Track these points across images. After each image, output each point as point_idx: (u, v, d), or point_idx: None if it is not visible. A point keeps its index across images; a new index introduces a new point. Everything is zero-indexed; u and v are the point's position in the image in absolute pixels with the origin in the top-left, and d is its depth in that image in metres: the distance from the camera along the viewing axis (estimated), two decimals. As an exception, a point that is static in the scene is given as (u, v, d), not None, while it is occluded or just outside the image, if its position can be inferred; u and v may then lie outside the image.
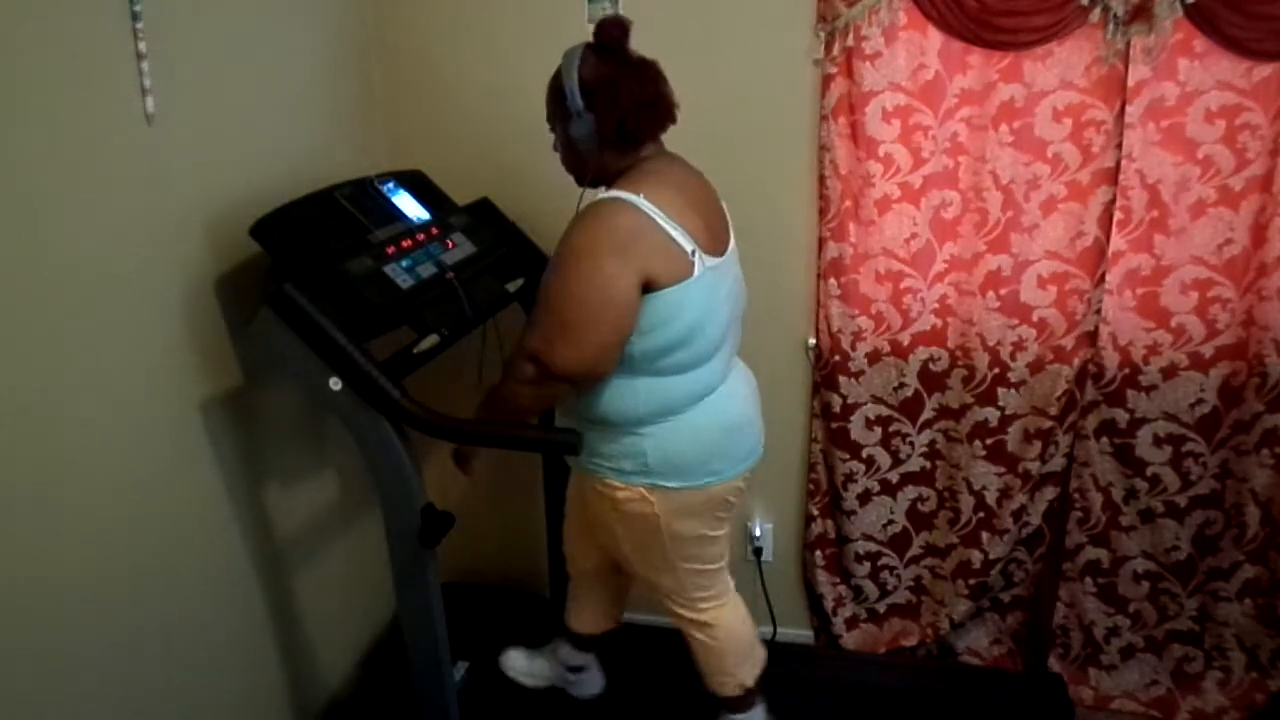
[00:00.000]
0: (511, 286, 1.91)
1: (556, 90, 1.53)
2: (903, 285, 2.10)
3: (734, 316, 1.62)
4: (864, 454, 2.24)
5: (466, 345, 1.87)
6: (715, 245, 1.54)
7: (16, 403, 1.26)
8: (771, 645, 2.27)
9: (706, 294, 1.51)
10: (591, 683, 2.13)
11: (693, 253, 1.47)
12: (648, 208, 1.44)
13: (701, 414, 1.58)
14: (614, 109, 1.48)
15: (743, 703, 1.85)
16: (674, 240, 1.45)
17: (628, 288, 1.43)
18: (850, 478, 2.26)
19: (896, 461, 2.25)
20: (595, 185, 1.58)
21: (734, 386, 1.64)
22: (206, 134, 1.61)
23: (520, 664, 2.16)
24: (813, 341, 2.19)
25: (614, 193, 1.46)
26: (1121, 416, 2.09)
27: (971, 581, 2.27)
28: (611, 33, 1.49)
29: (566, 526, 1.99)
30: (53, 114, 1.29)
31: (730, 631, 1.81)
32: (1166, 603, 2.20)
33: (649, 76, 1.52)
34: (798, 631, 2.43)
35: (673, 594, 1.76)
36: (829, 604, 2.38)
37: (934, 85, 1.95)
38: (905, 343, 2.14)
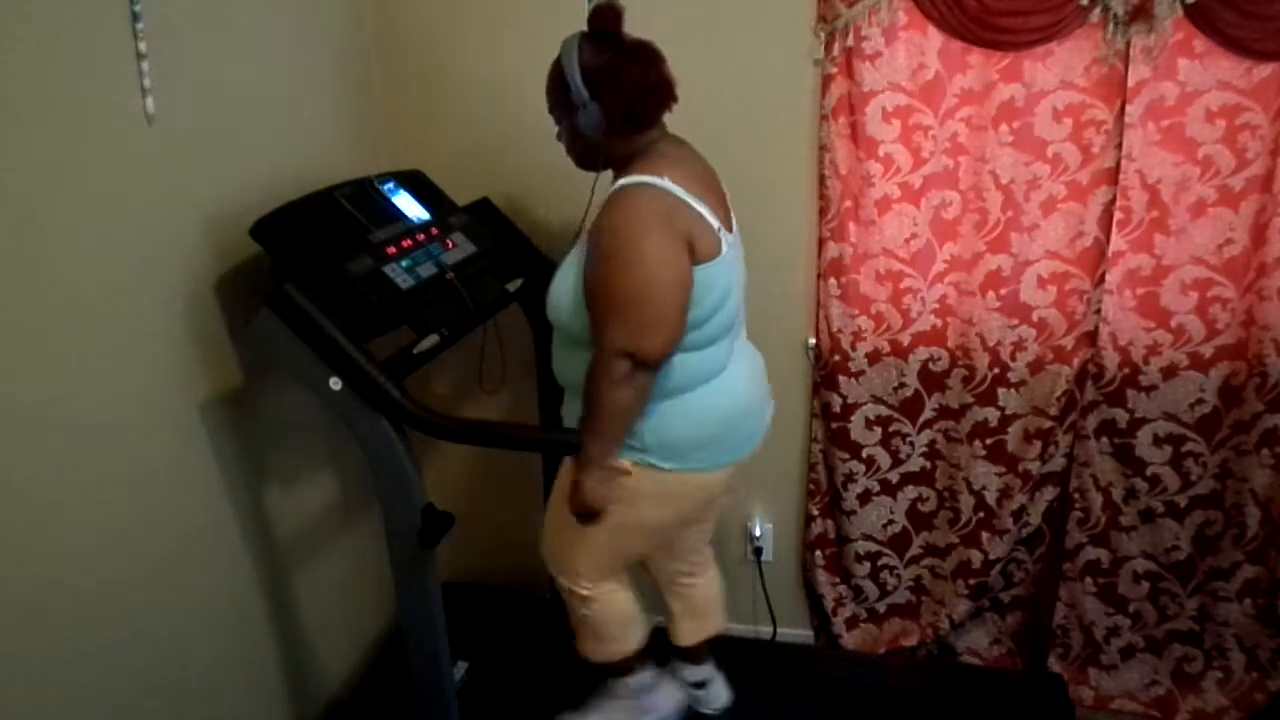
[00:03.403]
0: (511, 286, 1.91)
1: (559, 82, 1.52)
2: (903, 285, 2.10)
3: (741, 296, 1.63)
4: (864, 454, 2.24)
5: (466, 345, 1.87)
6: (726, 223, 1.57)
7: (16, 403, 1.26)
8: (771, 645, 2.28)
9: (729, 270, 1.53)
10: (719, 695, 2.05)
11: (719, 230, 1.49)
12: (674, 189, 1.45)
13: (705, 397, 1.57)
14: (620, 96, 1.48)
15: (624, 667, 1.86)
16: (704, 218, 1.47)
17: (684, 259, 1.44)
18: (850, 478, 2.26)
19: (896, 461, 2.25)
20: (603, 170, 1.58)
21: (738, 370, 1.64)
22: (206, 134, 1.61)
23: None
24: (813, 341, 2.19)
25: (637, 178, 1.46)
26: (1121, 416, 2.09)
27: (971, 581, 2.27)
28: (607, 18, 1.49)
29: None
30: (53, 114, 1.29)
31: (609, 615, 1.80)
32: (1166, 603, 2.20)
33: (649, 59, 1.52)
34: (798, 631, 2.43)
35: (570, 566, 1.75)
36: (829, 604, 2.38)
37: (934, 85, 1.95)
38: (905, 343, 2.14)
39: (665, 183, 1.45)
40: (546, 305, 1.59)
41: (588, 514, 1.59)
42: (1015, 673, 2.33)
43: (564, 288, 1.54)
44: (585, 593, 1.77)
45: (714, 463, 1.63)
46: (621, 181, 1.48)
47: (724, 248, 1.50)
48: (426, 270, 1.67)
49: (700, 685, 2.03)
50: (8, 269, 1.23)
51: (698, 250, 1.46)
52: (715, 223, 1.49)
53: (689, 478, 1.62)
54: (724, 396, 1.60)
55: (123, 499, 1.47)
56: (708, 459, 1.62)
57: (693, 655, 2.01)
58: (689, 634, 1.99)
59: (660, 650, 1.99)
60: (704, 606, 1.98)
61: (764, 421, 1.72)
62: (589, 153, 1.57)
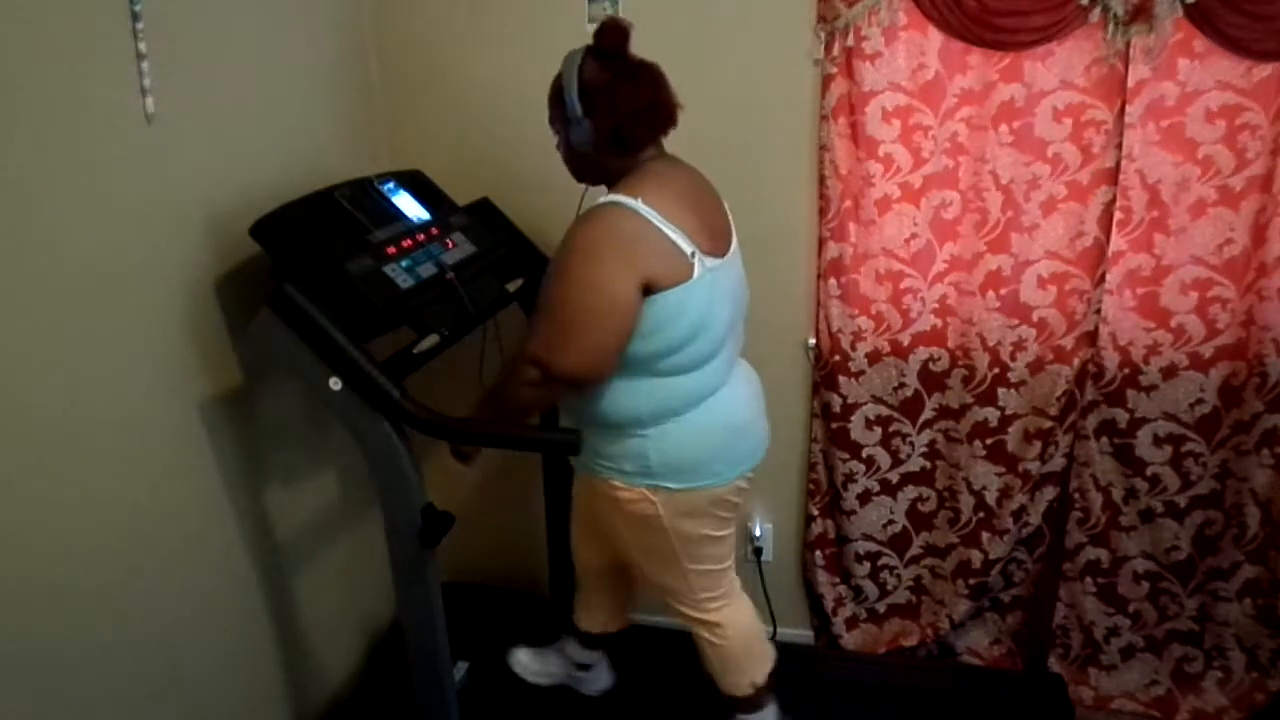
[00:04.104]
0: (511, 286, 1.91)
1: (557, 94, 1.54)
2: (903, 285, 2.10)
3: (736, 316, 1.62)
4: (864, 454, 2.24)
5: (466, 345, 1.87)
6: (716, 246, 1.55)
7: (16, 402, 1.26)
8: (771, 645, 2.27)
9: (707, 295, 1.51)
10: (599, 679, 2.13)
11: (692, 254, 1.47)
12: (646, 211, 1.44)
13: (703, 415, 1.58)
14: (610, 116, 1.49)
15: (754, 702, 1.85)
16: (673, 243, 1.46)
17: (628, 291, 1.43)
18: (850, 478, 2.26)
19: (896, 461, 2.25)
20: (596, 184, 1.59)
21: (736, 388, 1.64)
22: (206, 134, 1.61)
23: (528, 662, 2.16)
24: (813, 341, 2.19)
25: (613, 196, 1.47)
26: (1121, 416, 2.09)
27: (971, 581, 2.27)
28: (612, 37, 1.50)
29: (573, 526, 1.99)
30: (53, 114, 1.29)
31: (739, 630, 1.81)
32: (1166, 603, 2.20)
33: (647, 82, 1.52)
34: (798, 631, 2.43)
35: (680, 595, 1.77)
36: (829, 604, 2.38)
37: (934, 85, 1.95)
38: (905, 343, 2.14)
39: (637, 204, 1.44)
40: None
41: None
42: (1015, 673, 2.33)
43: None
44: (714, 617, 1.78)
45: (720, 479, 1.63)
46: (599, 199, 1.49)
47: (697, 271, 1.48)
48: (426, 270, 1.67)
49: (584, 667, 2.11)
50: (8, 268, 1.23)
51: (660, 278, 1.44)
52: (688, 247, 1.47)
53: (698, 495, 1.62)
54: (723, 412, 1.60)
55: (123, 499, 1.47)
56: (714, 474, 1.62)
57: (591, 640, 2.08)
58: (601, 625, 2.06)
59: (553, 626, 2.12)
60: (621, 599, 2.04)
61: (762, 439, 1.73)
62: (582, 167, 1.60)
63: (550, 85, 1.56)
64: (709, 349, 1.55)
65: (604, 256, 1.43)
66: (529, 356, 1.49)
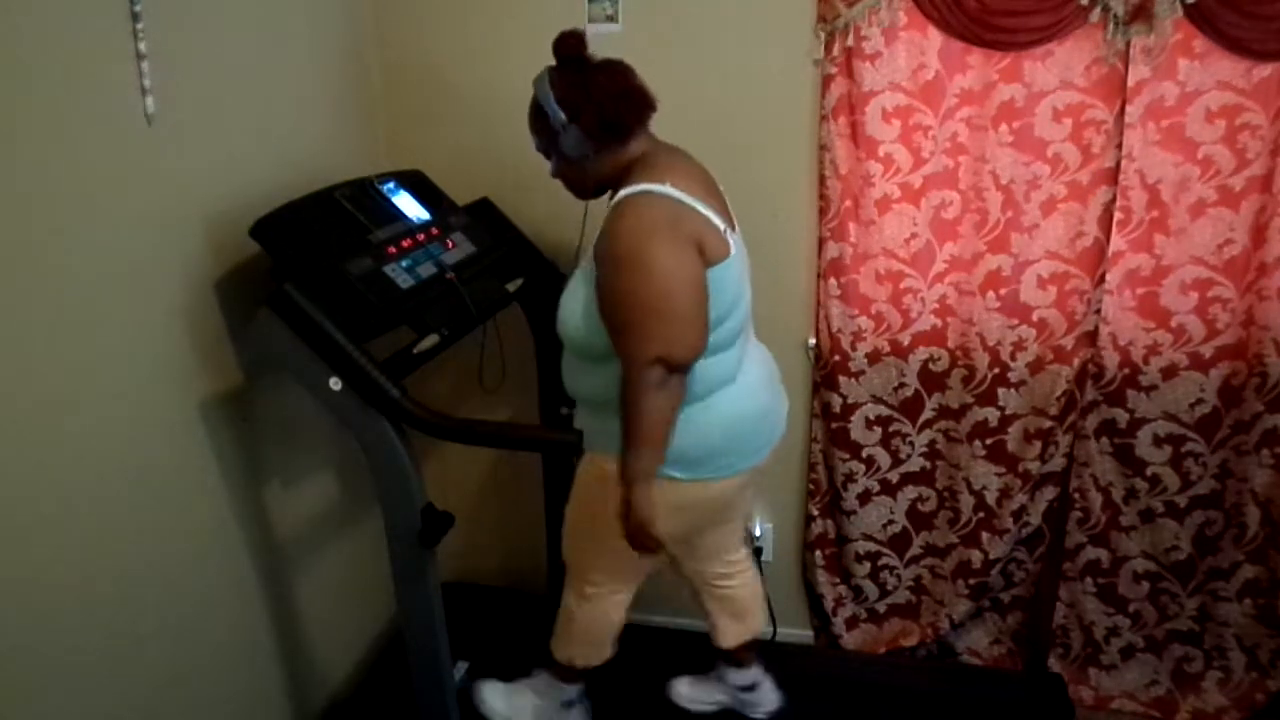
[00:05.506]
0: (511, 286, 1.92)
1: (538, 115, 1.54)
2: (903, 285, 2.10)
3: (750, 297, 1.62)
4: (864, 454, 2.24)
5: (466, 345, 1.87)
6: (730, 224, 1.56)
7: (16, 402, 1.26)
8: (771, 645, 2.28)
9: (740, 270, 1.53)
10: (767, 699, 2.04)
11: (724, 230, 1.49)
12: (676, 194, 1.45)
13: (720, 404, 1.56)
14: (593, 108, 1.49)
15: (567, 674, 1.89)
16: (710, 220, 1.47)
17: (696, 260, 1.44)
18: (850, 478, 2.26)
19: (896, 461, 2.25)
20: (600, 194, 1.59)
21: (753, 373, 1.63)
22: (206, 134, 1.61)
23: (689, 691, 2.09)
24: (813, 341, 2.19)
25: (637, 186, 1.46)
26: (1121, 416, 2.09)
27: (971, 581, 2.27)
28: (570, 42, 1.52)
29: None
30: (53, 114, 1.29)
31: (594, 619, 1.82)
32: (1166, 603, 2.20)
33: (617, 70, 1.53)
34: (798, 631, 2.43)
35: (577, 569, 1.78)
36: (829, 604, 2.38)
37: (934, 85, 1.95)
38: (905, 343, 2.14)
39: (667, 189, 1.44)
40: (557, 324, 1.57)
41: (646, 534, 1.50)
42: (1015, 673, 2.33)
43: (573, 307, 1.53)
44: (589, 590, 1.77)
45: (729, 470, 1.61)
46: (624, 192, 1.47)
47: (732, 247, 1.50)
48: (426, 270, 1.67)
49: (748, 689, 2.03)
50: (8, 269, 1.24)
51: (707, 253, 1.45)
52: (721, 224, 1.49)
53: (703, 486, 1.60)
54: (739, 402, 1.59)
55: (123, 499, 1.47)
56: (723, 466, 1.60)
57: (737, 659, 2.00)
58: (732, 635, 1.96)
59: (706, 654, 2.01)
60: (744, 607, 1.96)
61: (779, 424, 1.71)
62: (583, 178, 1.58)
63: (529, 112, 1.56)
64: (735, 330, 1.55)
65: (662, 238, 1.42)
66: (648, 361, 1.41)
